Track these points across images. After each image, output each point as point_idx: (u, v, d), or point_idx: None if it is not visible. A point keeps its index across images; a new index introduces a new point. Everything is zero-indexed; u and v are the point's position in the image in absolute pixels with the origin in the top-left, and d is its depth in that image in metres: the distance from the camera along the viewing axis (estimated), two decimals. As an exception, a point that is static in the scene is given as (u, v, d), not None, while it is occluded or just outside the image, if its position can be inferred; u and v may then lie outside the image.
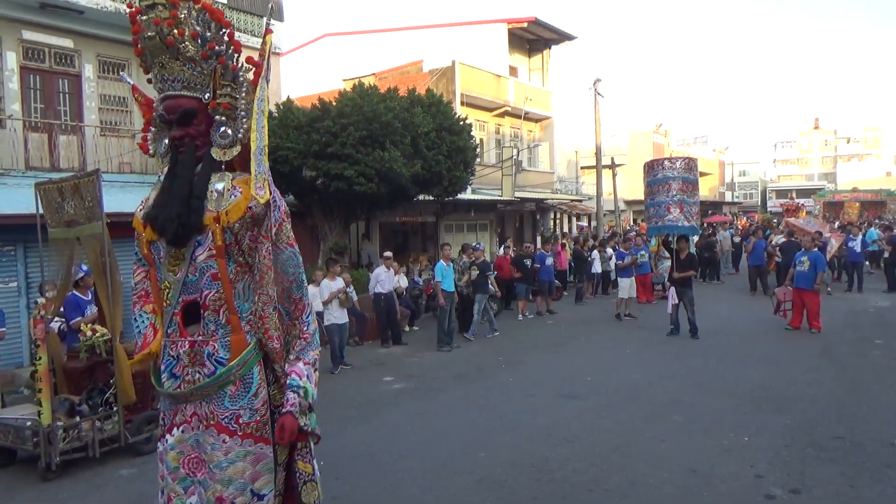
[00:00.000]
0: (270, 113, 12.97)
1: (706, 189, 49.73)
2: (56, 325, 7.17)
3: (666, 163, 12.44)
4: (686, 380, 8.49)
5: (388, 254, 12.75)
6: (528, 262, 14.66)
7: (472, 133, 16.02)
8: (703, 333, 11.33)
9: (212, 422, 3.02)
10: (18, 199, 9.83)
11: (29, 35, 12.07)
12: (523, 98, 23.98)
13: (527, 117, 24.97)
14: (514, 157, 21.21)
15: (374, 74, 21.10)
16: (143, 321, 3.30)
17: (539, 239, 24.28)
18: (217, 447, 3.00)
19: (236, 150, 3.15)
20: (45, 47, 12.36)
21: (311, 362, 3.14)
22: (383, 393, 8.52)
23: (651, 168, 12.47)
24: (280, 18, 16.16)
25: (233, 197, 3.06)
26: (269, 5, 3.50)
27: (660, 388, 8.13)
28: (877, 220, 30.30)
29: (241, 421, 3.01)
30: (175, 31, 2.98)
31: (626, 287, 14.08)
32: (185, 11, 3.04)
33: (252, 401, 3.05)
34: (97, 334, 6.36)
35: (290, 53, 25.52)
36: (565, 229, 31.45)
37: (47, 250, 6.99)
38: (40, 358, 5.86)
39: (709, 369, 9.05)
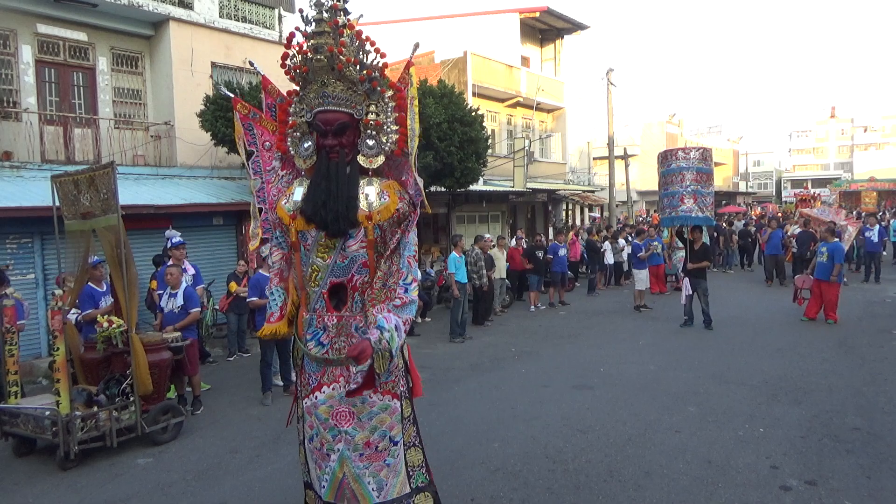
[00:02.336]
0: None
1: (720, 179, 49.29)
2: (73, 316, 7.25)
3: (680, 153, 12.30)
4: (700, 371, 8.45)
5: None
6: (540, 254, 14.63)
7: (483, 124, 15.94)
8: (718, 324, 11.26)
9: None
10: (35, 192, 9.93)
11: (44, 29, 12.14)
12: (535, 88, 23.84)
13: (539, 108, 24.83)
14: (526, 147, 21.10)
15: (385, 65, 21.04)
16: (278, 296, 3.97)
17: (551, 230, 24.21)
18: (365, 401, 3.67)
19: (381, 159, 3.72)
20: (59, 41, 12.44)
21: (403, 319, 3.57)
22: (397, 384, 8.55)
23: (665, 158, 12.35)
24: (291, 9, 16.15)
25: (382, 200, 3.63)
26: (416, 43, 3.90)
27: (674, 378, 8.09)
28: (893, 209, 29.93)
29: (381, 380, 3.63)
30: (343, 57, 3.52)
31: (643, 279, 14.06)
32: (348, 39, 3.58)
33: (389, 364, 3.56)
34: (113, 325, 6.42)
35: (301, 45, 25.51)
36: (577, 220, 31.33)
37: (64, 242, 7.05)
38: (58, 349, 5.92)
39: (723, 360, 8.99)
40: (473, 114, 14.86)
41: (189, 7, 13.91)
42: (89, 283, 7.47)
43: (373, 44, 3.68)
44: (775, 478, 5.06)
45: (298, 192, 3.74)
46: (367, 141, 3.69)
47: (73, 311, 7.27)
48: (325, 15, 3.57)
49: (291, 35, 3.63)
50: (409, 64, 3.77)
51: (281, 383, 8.24)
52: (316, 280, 3.70)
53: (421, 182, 3.77)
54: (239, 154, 13.22)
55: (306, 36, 3.58)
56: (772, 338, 10.39)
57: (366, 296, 3.65)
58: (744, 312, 12.79)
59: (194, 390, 7.60)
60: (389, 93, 3.78)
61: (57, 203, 6.81)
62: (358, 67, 3.61)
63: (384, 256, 3.68)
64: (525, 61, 24.96)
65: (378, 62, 3.70)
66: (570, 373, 8.61)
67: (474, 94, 20.43)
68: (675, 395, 7.38)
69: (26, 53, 11.92)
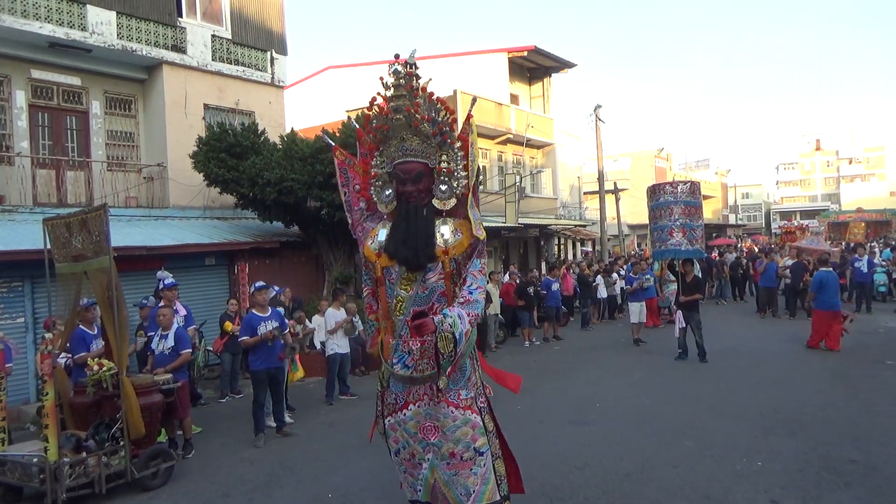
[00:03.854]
0: (274, 145, 13.10)
1: (709, 212, 49.68)
2: (63, 360, 7.17)
3: (668, 187, 12.44)
4: (696, 404, 8.41)
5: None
6: (531, 290, 14.64)
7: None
8: (712, 356, 11.25)
9: (441, 398, 4.13)
10: (26, 235, 9.91)
11: (38, 74, 12.30)
12: (525, 125, 24.17)
13: (529, 144, 25.14)
14: (517, 183, 21.29)
15: (454, 120, 21.27)
16: (371, 326, 4.59)
17: (544, 265, 24.27)
18: (447, 416, 4.13)
19: (453, 201, 4.28)
20: (53, 85, 12.59)
21: (466, 313, 3.94)
22: (391, 423, 8.45)
23: (654, 192, 12.49)
24: (284, 52, 16.42)
25: (456, 237, 4.21)
26: (474, 98, 4.58)
27: (670, 412, 8.05)
28: (881, 240, 30.19)
29: (461, 396, 4.16)
30: (418, 115, 4.11)
31: (637, 311, 13.99)
32: (421, 100, 4.16)
33: (466, 382, 4.20)
34: (104, 369, 6.34)
35: (293, 86, 25.85)
36: (570, 255, 31.44)
37: (54, 285, 7.01)
38: (47, 393, 5.85)
39: (719, 393, 8.96)
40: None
41: (182, 51, 14.13)
42: (81, 326, 7.41)
43: (443, 103, 4.27)
44: (775, 512, 5.01)
45: (382, 234, 4.34)
46: (441, 186, 4.26)
47: (63, 354, 7.20)
48: (401, 80, 4.16)
49: (373, 99, 4.26)
50: (469, 116, 4.35)
51: (274, 424, 8.13)
52: (401, 310, 4.20)
53: (478, 215, 4.34)
54: (229, 193, 13.16)
55: (386, 99, 4.19)
56: (766, 369, 10.38)
57: None
58: (738, 344, 12.78)
59: (185, 433, 7.49)
60: (458, 144, 4.31)
61: (48, 246, 6.80)
62: (430, 124, 4.16)
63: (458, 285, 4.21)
64: (514, 99, 25.36)
65: (447, 118, 4.24)
66: (566, 408, 8.55)
67: (464, 132, 20.66)
68: (671, 429, 7.33)
69: (20, 98, 12.04)
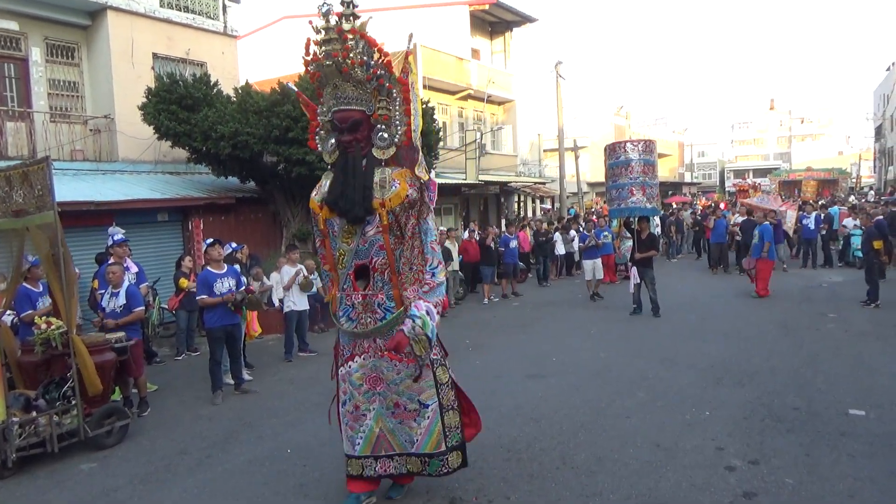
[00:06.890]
0: (228, 97, 12.68)
1: (666, 170, 50.45)
2: (8, 318, 6.93)
3: (628, 146, 12.48)
4: (649, 357, 8.64)
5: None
6: (493, 246, 14.70)
7: (434, 116, 15.91)
8: (665, 311, 11.54)
9: (385, 352, 4.10)
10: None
11: (-30, 17, 11.57)
12: (486, 81, 23.90)
13: (490, 100, 24.92)
14: (478, 140, 21.16)
15: (388, 63, 20.74)
16: (327, 277, 4.51)
17: (504, 222, 24.37)
18: (391, 369, 4.14)
19: (392, 150, 4.14)
20: (-13, 30, 11.87)
21: (431, 303, 4.02)
22: (350, 379, 8.47)
23: (613, 151, 12.51)
24: (236, 0, 15.76)
25: (393, 188, 4.03)
26: (410, 34, 4.24)
27: (624, 365, 8.26)
28: (829, 198, 31.15)
29: (405, 350, 3.97)
30: (348, 60, 3.89)
31: (590, 268, 14.19)
32: (353, 43, 3.93)
33: (429, 345, 4.01)
34: (52, 327, 6.16)
35: (247, 37, 24.94)
36: (529, 212, 31.63)
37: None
38: (-8, 353, 5.66)
39: (671, 346, 9.22)
40: (424, 106, 14.80)
41: (127, -4, 13.43)
42: (25, 284, 7.14)
43: (376, 45, 4.01)
44: (720, 459, 5.21)
45: (326, 185, 4.20)
46: (380, 134, 4.09)
47: (9, 312, 6.96)
48: (331, 23, 3.93)
49: (308, 43, 4.01)
50: (408, 53, 4.13)
51: (232, 382, 8.06)
52: (343, 263, 4.17)
53: (426, 167, 4.26)
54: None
55: (317, 44, 3.96)
56: (717, 323, 10.71)
57: (386, 276, 4.09)
58: (690, 299, 13.14)
59: (140, 391, 7.38)
60: (396, 88, 4.09)
61: (-13, 200, 6.48)
62: (364, 68, 3.96)
63: (402, 240, 4.09)
64: (475, 53, 24.98)
65: (381, 61, 4.01)
66: (524, 363, 8.69)
67: (425, 87, 20.35)
68: (625, 381, 7.53)
69: (-48, 44, 11.34)
